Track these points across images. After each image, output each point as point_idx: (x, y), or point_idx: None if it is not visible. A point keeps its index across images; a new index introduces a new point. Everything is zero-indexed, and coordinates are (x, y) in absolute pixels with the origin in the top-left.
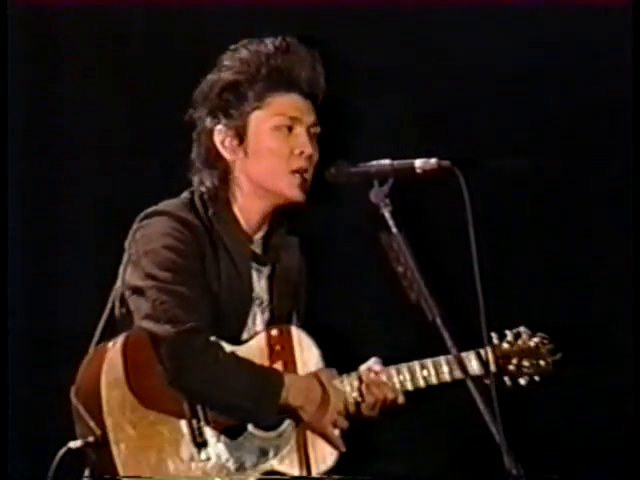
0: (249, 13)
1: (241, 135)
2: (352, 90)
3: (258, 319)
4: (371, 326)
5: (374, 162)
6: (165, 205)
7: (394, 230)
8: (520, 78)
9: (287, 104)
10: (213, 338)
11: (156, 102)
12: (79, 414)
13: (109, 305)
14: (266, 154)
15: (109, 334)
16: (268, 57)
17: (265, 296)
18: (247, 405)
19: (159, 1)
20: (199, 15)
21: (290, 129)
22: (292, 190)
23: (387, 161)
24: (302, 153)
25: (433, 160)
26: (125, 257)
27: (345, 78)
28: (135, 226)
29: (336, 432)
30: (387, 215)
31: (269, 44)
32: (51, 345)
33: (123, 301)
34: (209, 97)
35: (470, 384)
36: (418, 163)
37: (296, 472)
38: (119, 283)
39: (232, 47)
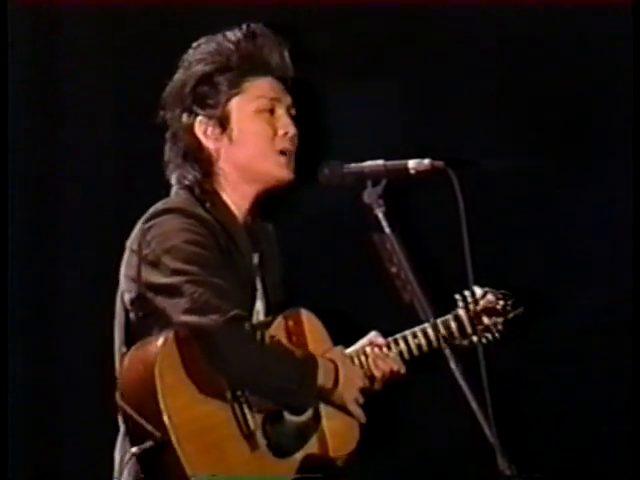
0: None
1: (223, 123)
2: (344, 85)
3: (258, 306)
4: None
5: (367, 162)
6: (171, 202)
7: (387, 231)
8: (519, 77)
9: (265, 86)
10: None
11: (157, 102)
12: (131, 419)
13: (120, 311)
14: (251, 137)
15: (130, 339)
16: (236, 44)
17: (260, 284)
18: (292, 387)
19: (159, 1)
20: (199, 14)
21: (272, 111)
22: (280, 170)
23: (380, 161)
24: (286, 134)
25: (426, 160)
26: (132, 259)
27: (339, 76)
28: (143, 226)
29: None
30: (380, 216)
31: (233, 33)
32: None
33: (140, 303)
34: (182, 94)
35: (449, 353)
36: (411, 164)
37: (331, 453)
38: (125, 286)
39: (194, 45)
